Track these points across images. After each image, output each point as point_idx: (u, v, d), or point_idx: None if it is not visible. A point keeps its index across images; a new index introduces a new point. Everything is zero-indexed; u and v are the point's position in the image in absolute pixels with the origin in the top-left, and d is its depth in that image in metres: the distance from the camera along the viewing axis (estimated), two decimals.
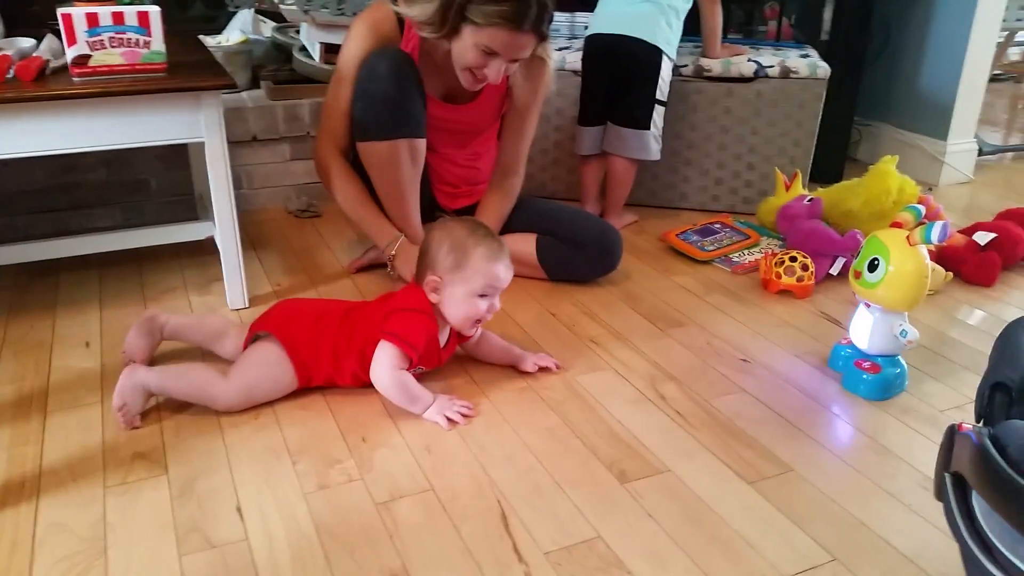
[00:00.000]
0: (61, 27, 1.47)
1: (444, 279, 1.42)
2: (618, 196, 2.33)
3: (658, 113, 2.24)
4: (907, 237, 1.45)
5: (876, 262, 1.46)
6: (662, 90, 2.23)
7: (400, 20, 1.78)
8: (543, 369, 1.57)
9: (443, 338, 1.49)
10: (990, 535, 0.83)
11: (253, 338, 1.48)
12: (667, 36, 2.20)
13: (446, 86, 1.86)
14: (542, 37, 1.69)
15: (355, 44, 1.78)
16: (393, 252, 1.84)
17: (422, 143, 1.80)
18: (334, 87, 1.81)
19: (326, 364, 1.43)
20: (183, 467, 1.28)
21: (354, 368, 1.44)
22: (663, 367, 1.60)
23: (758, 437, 1.39)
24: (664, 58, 2.20)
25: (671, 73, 2.26)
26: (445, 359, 1.53)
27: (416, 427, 1.39)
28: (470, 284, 1.42)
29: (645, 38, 2.17)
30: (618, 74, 2.22)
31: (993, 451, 0.80)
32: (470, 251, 1.41)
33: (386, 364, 1.39)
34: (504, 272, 1.44)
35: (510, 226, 1.98)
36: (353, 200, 1.86)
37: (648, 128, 2.24)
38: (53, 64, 1.57)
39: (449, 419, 1.40)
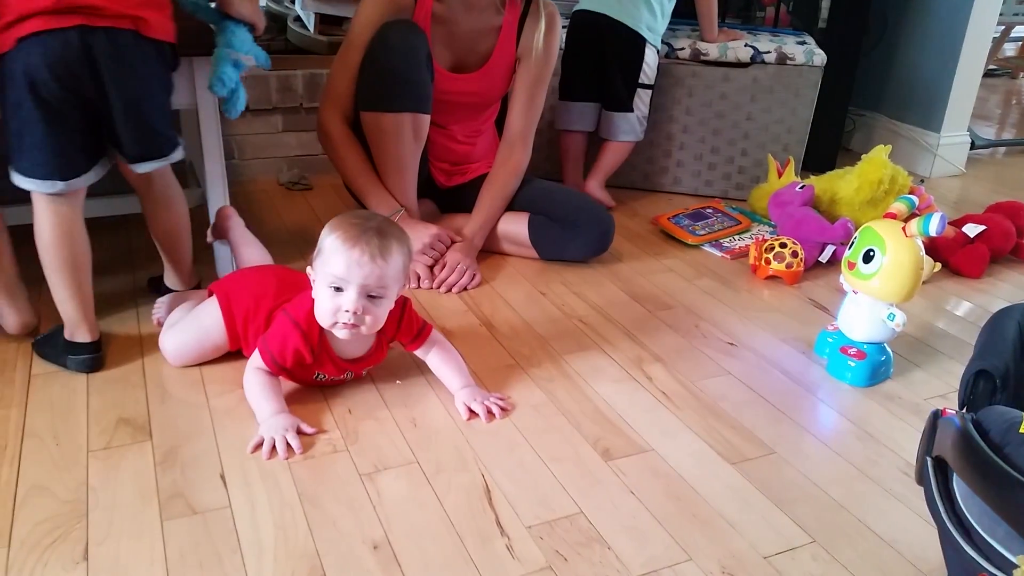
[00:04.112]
0: None
1: (313, 269, 1.29)
2: (608, 163, 2.35)
3: (641, 96, 2.27)
4: (903, 228, 1.45)
5: (872, 253, 1.46)
6: (647, 74, 2.26)
7: None
8: (473, 414, 1.35)
9: (358, 347, 1.36)
10: (969, 518, 0.84)
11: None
12: (650, 22, 2.21)
13: (456, 55, 1.87)
14: None
15: (368, 9, 1.78)
16: None
17: (426, 119, 1.80)
18: (344, 51, 1.81)
19: (252, 339, 1.40)
20: (168, 433, 1.28)
21: None
22: (650, 348, 1.61)
23: (742, 419, 1.40)
24: (648, 45, 2.22)
25: (656, 59, 2.27)
26: (363, 368, 1.40)
27: (402, 399, 1.39)
28: (321, 273, 1.26)
29: (627, 23, 2.19)
30: (602, 53, 2.23)
31: (975, 434, 0.81)
32: (328, 236, 1.26)
33: (252, 362, 1.33)
34: (351, 265, 1.22)
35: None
36: (354, 169, 1.85)
37: (632, 111, 2.27)
38: None
39: (274, 446, 1.24)
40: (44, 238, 1.36)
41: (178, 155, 1.48)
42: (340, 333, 1.29)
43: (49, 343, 1.46)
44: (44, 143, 1.31)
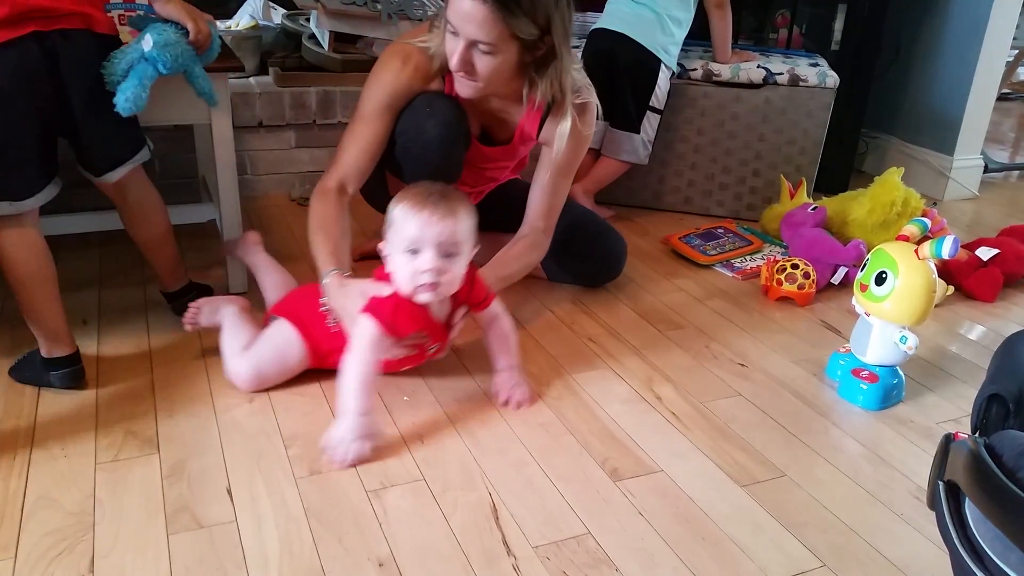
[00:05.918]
0: None
1: (386, 241, 1.32)
2: (600, 176, 2.36)
3: (650, 120, 2.29)
4: (915, 251, 1.44)
5: (884, 275, 1.45)
6: (658, 97, 2.27)
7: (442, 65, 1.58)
8: (505, 403, 1.44)
9: (438, 311, 1.38)
10: (981, 543, 0.83)
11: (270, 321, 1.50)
12: (665, 44, 2.23)
13: (481, 125, 1.75)
14: (501, 4, 1.40)
15: (379, 87, 1.60)
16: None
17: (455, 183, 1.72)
18: (353, 125, 1.60)
19: (339, 341, 1.38)
20: (175, 447, 1.28)
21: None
22: (660, 368, 1.60)
23: (752, 441, 1.38)
24: (662, 68, 2.23)
25: (668, 83, 2.28)
26: (449, 338, 1.43)
27: (410, 416, 1.39)
28: (395, 241, 1.30)
29: (644, 43, 2.21)
30: (616, 72, 2.25)
31: (988, 459, 0.80)
32: (395, 207, 1.30)
33: (360, 341, 1.30)
34: (423, 225, 1.26)
35: (515, 227, 1.92)
36: (314, 234, 1.52)
37: (638, 132, 2.28)
38: None
39: (341, 453, 1.26)
40: (6, 258, 1.33)
41: (145, 155, 1.47)
42: (422, 296, 1.31)
43: (25, 367, 1.42)
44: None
